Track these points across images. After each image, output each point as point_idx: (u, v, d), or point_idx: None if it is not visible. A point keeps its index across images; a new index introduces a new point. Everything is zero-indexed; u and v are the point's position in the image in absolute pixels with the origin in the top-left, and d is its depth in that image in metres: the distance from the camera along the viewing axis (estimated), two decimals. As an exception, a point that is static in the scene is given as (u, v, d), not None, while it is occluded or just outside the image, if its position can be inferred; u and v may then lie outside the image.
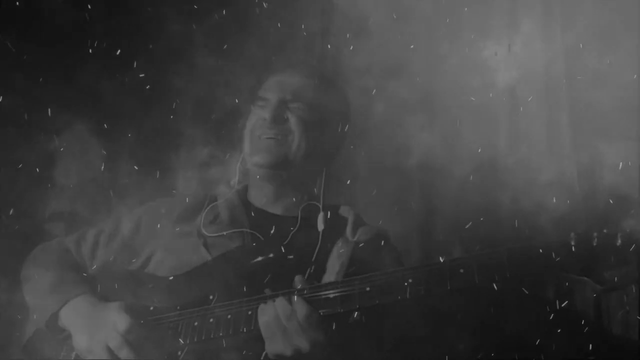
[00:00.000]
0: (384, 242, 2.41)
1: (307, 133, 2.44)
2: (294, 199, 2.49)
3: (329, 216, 2.45)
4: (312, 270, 2.28)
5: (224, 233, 2.41)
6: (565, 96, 2.59)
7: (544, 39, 2.64)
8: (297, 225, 2.43)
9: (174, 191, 2.57)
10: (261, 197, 2.52)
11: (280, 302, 2.10)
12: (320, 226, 2.41)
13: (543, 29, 2.64)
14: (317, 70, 2.65)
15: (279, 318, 2.08)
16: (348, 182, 2.60)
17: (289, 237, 2.40)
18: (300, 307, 2.08)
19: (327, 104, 2.49)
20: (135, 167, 2.64)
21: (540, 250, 1.95)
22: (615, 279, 1.87)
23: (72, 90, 2.80)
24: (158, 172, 2.59)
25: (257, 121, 2.49)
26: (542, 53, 2.58)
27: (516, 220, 2.24)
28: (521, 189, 2.33)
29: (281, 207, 2.50)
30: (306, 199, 2.49)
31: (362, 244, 2.37)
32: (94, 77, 2.78)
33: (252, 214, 2.49)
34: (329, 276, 2.28)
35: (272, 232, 2.39)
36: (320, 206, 2.46)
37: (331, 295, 2.09)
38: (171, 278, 2.32)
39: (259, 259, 2.32)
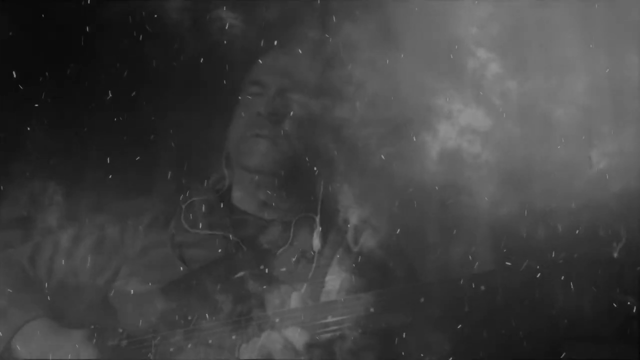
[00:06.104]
0: (393, 251, 2.14)
1: (302, 134, 2.12)
2: (288, 205, 2.20)
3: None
4: (308, 289, 2.07)
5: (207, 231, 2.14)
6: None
7: None
8: (291, 237, 2.16)
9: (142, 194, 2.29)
10: (249, 201, 2.24)
11: (269, 335, 1.87)
12: (316, 245, 2.13)
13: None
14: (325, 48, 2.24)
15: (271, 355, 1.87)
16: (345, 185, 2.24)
17: (282, 248, 2.15)
18: (296, 335, 1.87)
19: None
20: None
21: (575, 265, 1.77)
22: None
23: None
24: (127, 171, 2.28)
25: (248, 115, 2.17)
26: None
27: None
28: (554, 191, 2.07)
29: (272, 211, 2.22)
30: (303, 208, 2.20)
31: (367, 254, 2.13)
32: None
33: (236, 219, 2.21)
34: (329, 292, 2.06)
35: (260, 240, 2.16)
36: (317, 219, 2.16)
37: (331, 318, 1.89)
38: (143, 295, 2.08)
39: (242, 273, 2.03)
